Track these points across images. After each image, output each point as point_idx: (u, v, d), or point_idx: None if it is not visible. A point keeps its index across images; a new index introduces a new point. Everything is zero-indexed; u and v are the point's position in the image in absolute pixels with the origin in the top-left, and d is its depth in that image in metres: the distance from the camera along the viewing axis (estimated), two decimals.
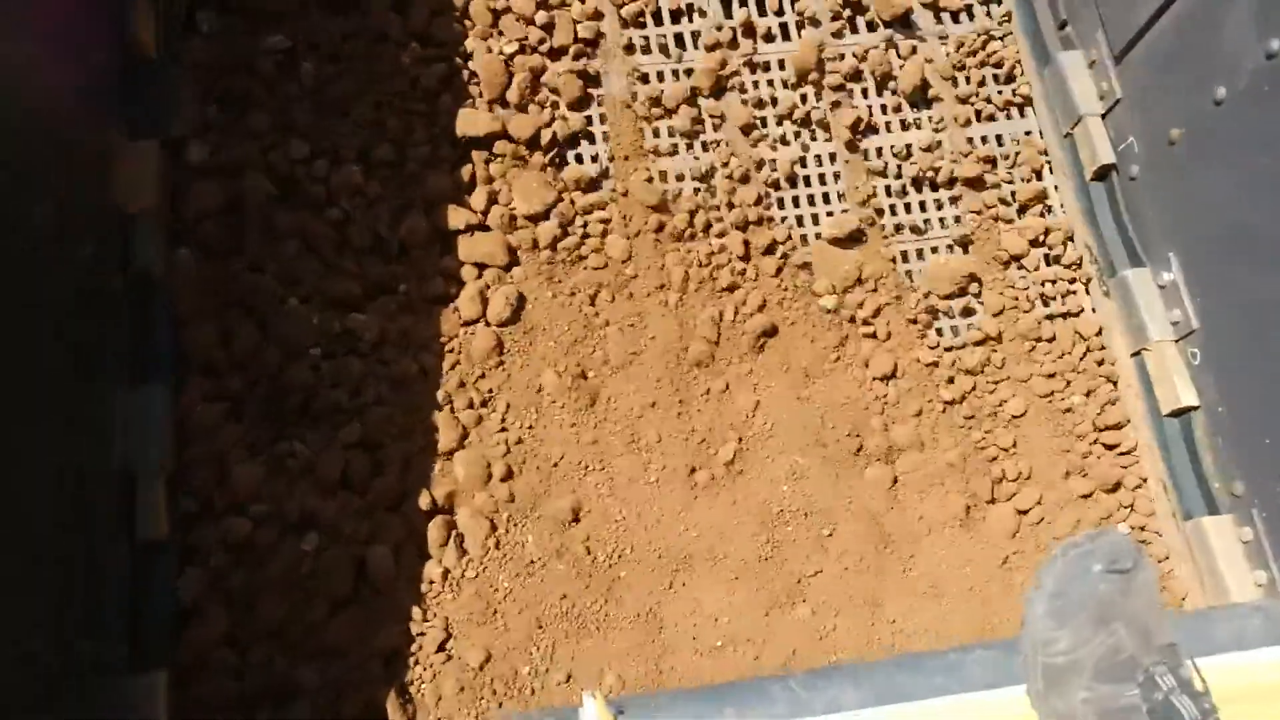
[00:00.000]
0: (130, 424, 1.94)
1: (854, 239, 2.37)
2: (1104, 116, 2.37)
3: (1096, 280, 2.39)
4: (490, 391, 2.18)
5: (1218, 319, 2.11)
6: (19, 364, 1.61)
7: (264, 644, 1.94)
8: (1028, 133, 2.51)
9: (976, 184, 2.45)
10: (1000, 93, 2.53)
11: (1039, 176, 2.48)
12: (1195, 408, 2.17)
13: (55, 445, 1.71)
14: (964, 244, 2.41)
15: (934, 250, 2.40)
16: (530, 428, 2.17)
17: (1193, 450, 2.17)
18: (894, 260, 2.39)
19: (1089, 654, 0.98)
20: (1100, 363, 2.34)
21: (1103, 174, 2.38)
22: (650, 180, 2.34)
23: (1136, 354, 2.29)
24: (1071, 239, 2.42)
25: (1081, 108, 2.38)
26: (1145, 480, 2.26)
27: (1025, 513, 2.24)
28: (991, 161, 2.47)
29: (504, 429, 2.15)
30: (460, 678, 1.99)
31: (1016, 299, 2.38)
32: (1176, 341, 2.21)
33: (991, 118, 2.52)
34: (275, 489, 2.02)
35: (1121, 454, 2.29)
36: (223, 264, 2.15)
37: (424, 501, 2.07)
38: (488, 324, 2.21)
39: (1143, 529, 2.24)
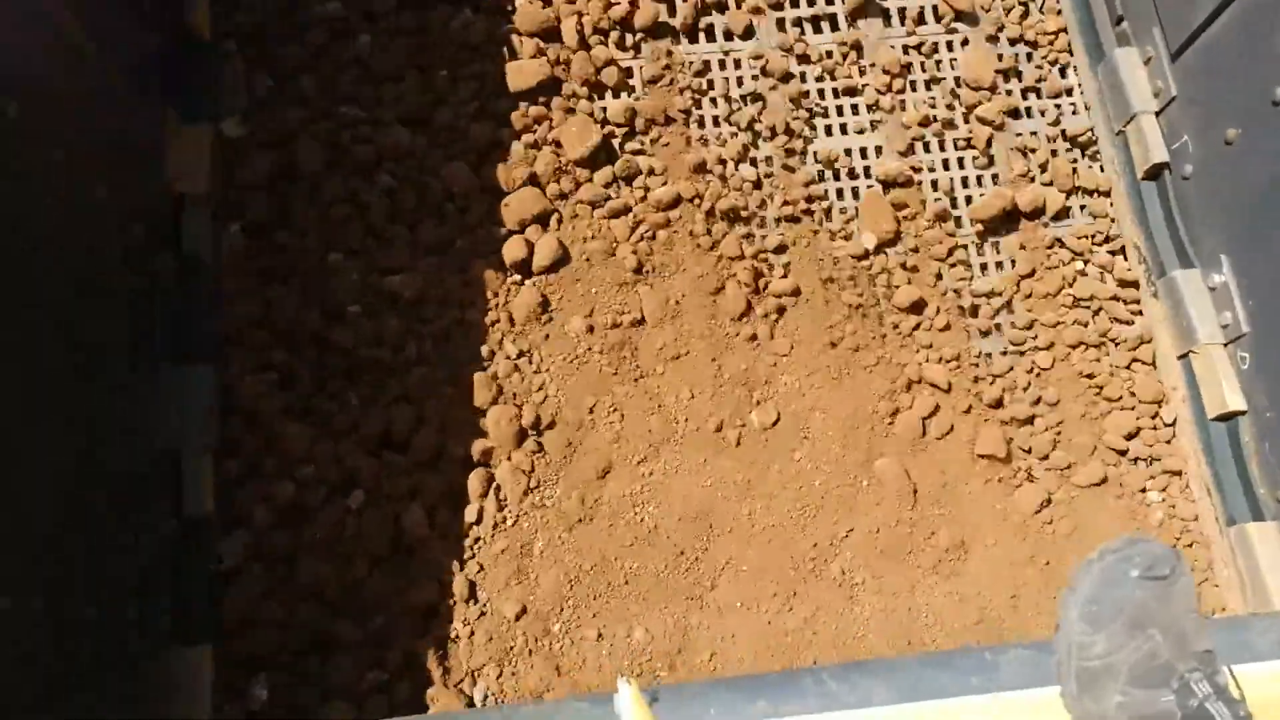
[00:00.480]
0: (176, 403, 1.99)
1: (896, 189, 2.39)
2: (1158, 114, 2.33)
3: (1145, 281, 2.35)
4: (529, 345, 2.21)
5: (1270, 323, 2.07)
6: (73, 344, 1.66)
7: (306, 602, 2.00)
8: (1075, 129, 2.48)
9: (1020, 175, 2.43)
10: (1047, 85, 2.50)
11: (1101, 168, 2.45)
12: (1242, 412, 2.13)
13: (105, 424, 1.76)
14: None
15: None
16: (566, 381, 2.20)
17: (1239, 456, 2.14)
18: (932, 219, 2.38)
19: (1124, 659, 0.98)
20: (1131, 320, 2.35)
21: (1155, 173, 2.34)
22: (689, 124, 2.38)
23: (1184, 356, 2.25)
24: (1115, 224, 2.41)
25: (1135, 105, 2.34)
26: (1189, 484, 2.23)
27: (1046, 458, 2.24)
28: (1036, 150, 2.45)
29: (541, 383, 2.19)
30: (493, 630, 2.04)
31: (1052, 259, 2.39)
32: (1225, 345, 2.18)
33: (1042, 113, 2.49)
34: (320, 451, 2.08)
35: (1143, 403, 2.28)
36: (269, 237, 2.20)
37: (462, 456, 2.12)
38: (530, 277, 2.25)
39: (1186, 530, 2.22)
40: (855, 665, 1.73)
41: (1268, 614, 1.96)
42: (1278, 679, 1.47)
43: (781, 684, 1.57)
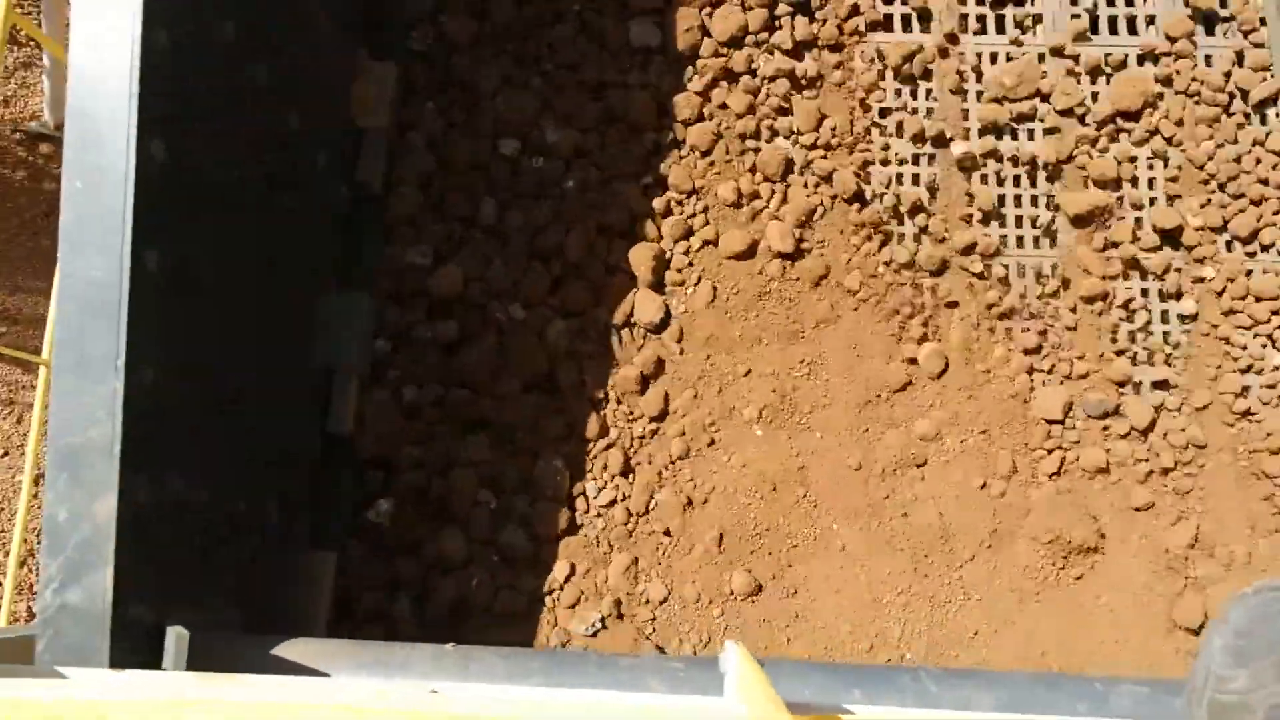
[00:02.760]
0: (334, 325, 2.09)
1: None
2: None
3: None
4: (687, 193, 2.30)
5: None
6: (254, 261, 1.77)
7: (448, 416, 2.16)
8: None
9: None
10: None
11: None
12: None
13: (276, 334, 1.88)
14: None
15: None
16: (714, 234, 2.29)
17: None
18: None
19: (1264, 699, 0.94)
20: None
21: None
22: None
23: None
24: None
25: None
26: None
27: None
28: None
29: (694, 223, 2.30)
30: (618, 450, 2.17)
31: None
32: None
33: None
34: (478, 272, 2.22)
35: None
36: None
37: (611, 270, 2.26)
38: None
39: None
40: (958, 671, 1.71)
41: None
42: None
43: (880, 677, 1.57)
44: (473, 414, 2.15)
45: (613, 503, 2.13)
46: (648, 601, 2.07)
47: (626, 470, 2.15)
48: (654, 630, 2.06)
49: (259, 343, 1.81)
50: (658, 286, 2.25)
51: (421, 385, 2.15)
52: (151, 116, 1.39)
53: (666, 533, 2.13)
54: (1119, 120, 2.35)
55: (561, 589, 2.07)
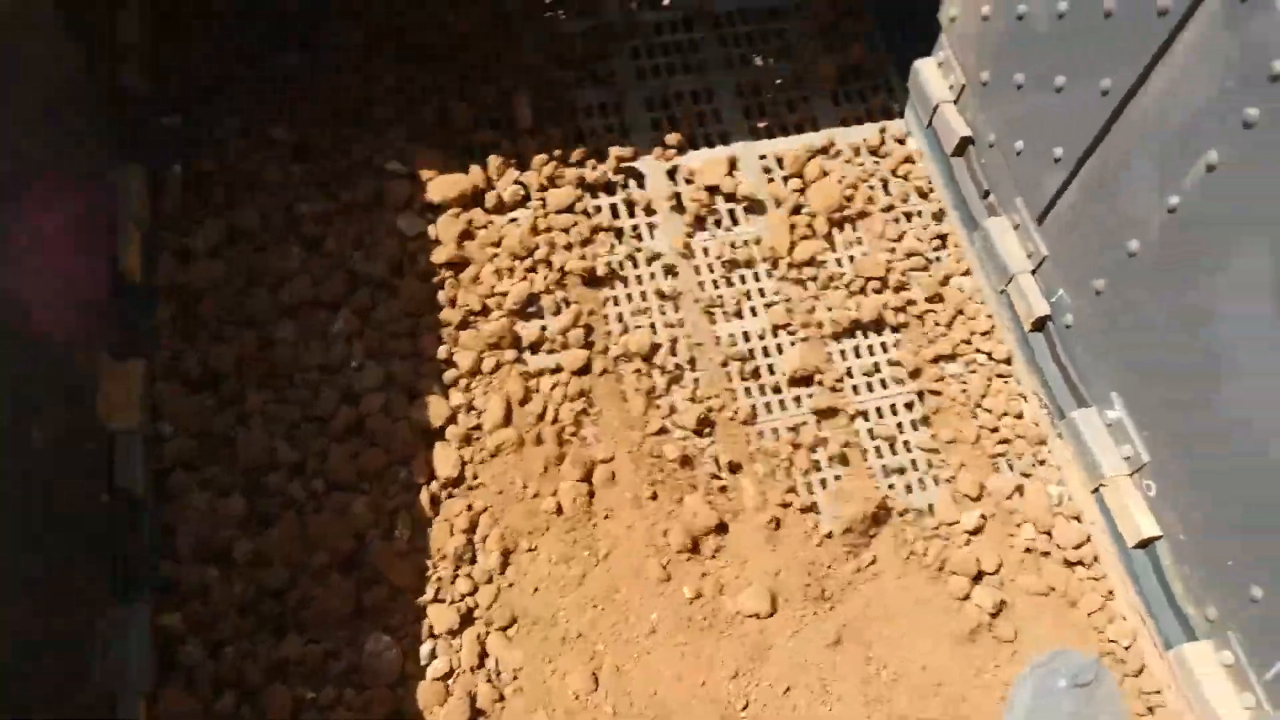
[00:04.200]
0: (112, 643, 1.94)
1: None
2: (1034, 273, 2.56)
3: (1049, 425, 2.51)
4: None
5: (1165, 450, 2.21)
6: (8, 584, 1.63)
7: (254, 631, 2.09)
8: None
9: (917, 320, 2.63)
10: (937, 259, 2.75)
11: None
12: (1158, 537, 2.24)
13: (39, 668, 1.70)
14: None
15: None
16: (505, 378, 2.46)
17: (1163, 579, 2.23)
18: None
19: None
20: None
21: (1039, 325, 2.55)
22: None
23: (1095, 490, 2.38)
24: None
25: (1012, 267, 2.57)
26: (1120, 610, 2.30)
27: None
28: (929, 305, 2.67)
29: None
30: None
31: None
32: (1130, 475, 2.31)
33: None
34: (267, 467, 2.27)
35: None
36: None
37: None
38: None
39: (1123, 662, 2.27)
40: None
41: None
42: None
43: None
44: (281, 613, 2.11)
45: (449, 669, 2.12)
46: None
47: (458, 627, 2.16)
48: None
49: (27, 676, 1.65)
50: (452, 438, 2.35)
51: (215, 627, 2.08)
52: None
53: (499, 674, 2.15)
54: None
55: None
